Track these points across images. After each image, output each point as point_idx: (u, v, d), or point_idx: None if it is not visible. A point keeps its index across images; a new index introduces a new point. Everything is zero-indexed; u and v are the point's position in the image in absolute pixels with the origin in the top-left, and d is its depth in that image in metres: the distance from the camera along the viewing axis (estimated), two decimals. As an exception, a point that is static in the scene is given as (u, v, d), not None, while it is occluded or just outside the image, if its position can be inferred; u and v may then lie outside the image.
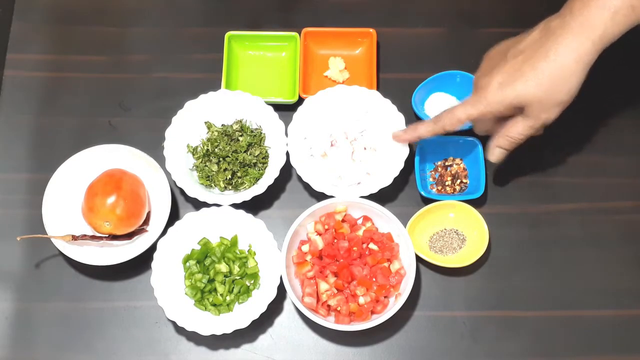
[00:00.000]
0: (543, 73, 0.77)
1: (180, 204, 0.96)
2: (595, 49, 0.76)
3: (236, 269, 0.90)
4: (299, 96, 0.99)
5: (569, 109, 0.98)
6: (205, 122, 0.97)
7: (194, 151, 0.96)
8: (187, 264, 0.90)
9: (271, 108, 0.95)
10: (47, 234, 0.89)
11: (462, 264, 0.90)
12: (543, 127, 0.82)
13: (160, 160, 0.93)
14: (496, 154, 0.87)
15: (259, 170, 0.95)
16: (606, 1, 0.74)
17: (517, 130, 0.82)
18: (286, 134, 0.94)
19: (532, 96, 0.78)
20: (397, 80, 1.02)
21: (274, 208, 0.96)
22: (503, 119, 0.84)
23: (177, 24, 1.06)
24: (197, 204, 0.93)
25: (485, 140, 0.95)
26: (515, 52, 0.80)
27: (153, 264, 0.88)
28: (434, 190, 0.95)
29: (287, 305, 0.91)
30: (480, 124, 0.88)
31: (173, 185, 0.94)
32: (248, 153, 0.95)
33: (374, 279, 0.87)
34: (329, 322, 0.85)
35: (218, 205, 0.90)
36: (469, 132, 0.96)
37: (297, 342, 0.89)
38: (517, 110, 0.81)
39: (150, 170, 0.93)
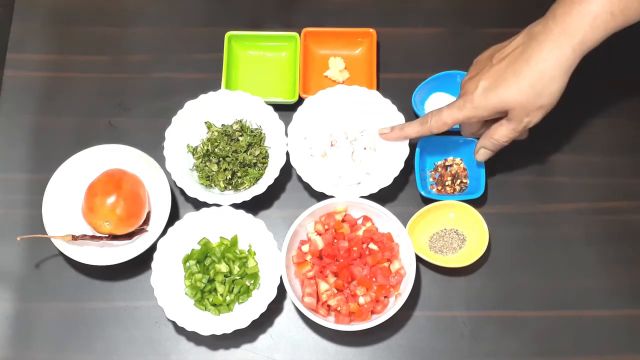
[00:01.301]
0: (525, 78, 0.79)
1: (180, 204, 0.96)
2: (575, 55, 0.77)
3: (236, 269, 0.90)
4: (299, 96, 0.99)
5: (569, 109, 0.98)
6: (205, 122, 0.97)
7: (194, 151, 0.96)
8: (187, 264, 0.90)
9: (271, 108, 0.95)
10: (47, 234, 0.89)
11: (462, 264, 0.90)
12: (526, 130, 0.84)
13: (160, 160, 0.93)
14: (481, 154, 0.89)
15: (259, 170, 0.95)
16: (586, 8, 0.76)
17: (501, 134, 0.84)
18: (286, 134, 0.94)
19: (515, 101, 0.80)
20: (397, 80, 1.02)
21: (274, 208, 0.96)
22: (489, 121, 0.86)
23: (177, 24, 1.06)
24: (197, 204, 0.93)
25: (485, 140, 0.96)
26: (500, 57, 0.82)
27: (153, 264, 0.88)
28: (434, 190, 0.95)
29: (287, 305, 0.91)
30: (467, 127, 0.90)
31: (173, 185, 0.94)
32: (248, 153, 0.95)
33: (374, 279, 0.87)
34: (329, 322, 0.85)
35: (218, 205, 0.90)
36: (469, 132, 0.96)
37: (297, 342, 0.89)
38: (502, 114, 0.83)
39: (150, 170, 0.93)
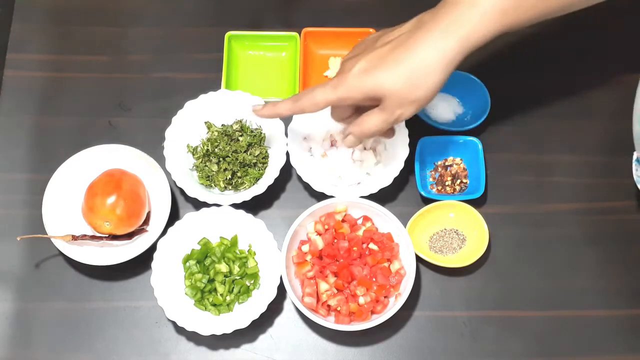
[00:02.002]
0: (404, 65, 0.75)
1: (180, 204, 0.96)
2: (459, 48, 0.74)
3: (236, 269, 0.90)
4: (299, 96, 0.99)
5: (569, 110, 0.98)
6: (205, 122, 0.97)
7: (194, 151, 0.96)
8: (187, 264, 0.90)
9: (271, 108, 0.95)
10: (47, 234, 0.89)
11: (462, 264, 0.90)
12: (396, 123, 0.80)
13: (160, 160, 0.93)
14: (348, 140, 0.84)
15: (259, 170, 0.95)
16: (476, 3, 0.73)
17: (372, 122, 0.79)
18: (286, 134, 0.94)
19: (390, 88, 0.75)
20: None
21: (274, 208, 0.96)
22: (361, 108, 0.82)
23: (177, 24, 1.06)
24: (197, 204, 0.93)
25: (485, 140, 0.96)
26: (385, 40, 0.78)
27: (153, 264, 0.88)
28: (434, 190, 0.95)
29: (287, 305, 0.91)
30: (338, 110, 0.85)
31: (173, 185, 0.94)
32: (248, 153, 0.95)
33: (374, 279, 0.87)
34: (329, 322, 0.85)
35: (218, 205, 0.90)
36: (468, 132, 0.96)
37: (297, 342, 0.89)
38: (375, 101, 0.78)
39: (150, 170, 0.93)
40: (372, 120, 0.79)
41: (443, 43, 0.74)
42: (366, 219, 0.91)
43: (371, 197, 0.90)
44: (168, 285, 0.88)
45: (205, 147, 0.95)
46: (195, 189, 0.91)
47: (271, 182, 0.91)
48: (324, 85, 0.79)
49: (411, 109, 0.77)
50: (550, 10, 0.76)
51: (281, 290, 0.87)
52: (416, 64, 0.74)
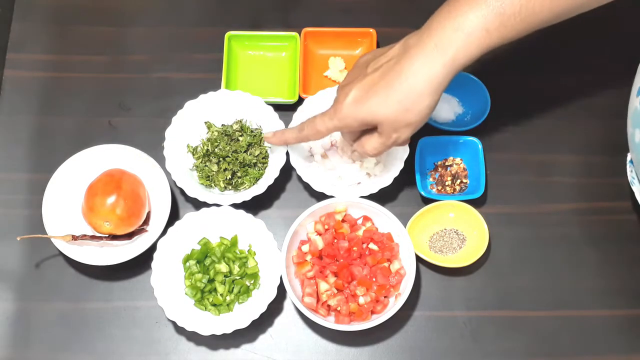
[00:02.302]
0: (394, 93, 0.76)
1: (180, 204, 0.96)
2: (446, 71, 0.75)
3: (236, 269, 0.90)
4: (299, 96, 0.99)
5: (569, 110, 0.98)
6: (205, 122, 0.97)
7: (194, 151, 0.96)
8: (187, 264, 0.90)
9: (271, 108, 0.95)
10: (47, 234, 0.89)
11: (462, 264, 0.90)
12: (395, 145, 0.82)
13: (160, 160, 0.93)
14: (354, 156, 0.87)
15: (259, 170, 0.95)
16: (461, 23, 0.73)
17: (371, 145, 0.82)
18: (286, 134, 0.94)
19: (383, 116, 0.77)
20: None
21: (274, 208, 0.96)
22: (368, 130, 0.83)
23: (177, 24, 1.06)
24: (197, 204, 0.93)
25: (485, 140, 0.96)
26: (375, 66, 0.79)
27: (153, 264, 0.88)
28: (434, 190, 0.95)
29: (287, 305, 0.91)
30: (345, 135, 0.86)
31: (173, 185, 0.94)
32: (248, 153, 0.95)
33: (374, 279, 0.87)
34: (329, 322, 0.85)
35: (218, 205, 0.90)
36: (468, 132, 0.96)
37: (297, 342, 0.89)
38: (373, 126, 0.80)
39: (150, 170, 0.93)
40: (372, 143, 0.82)
41: (430, 68, 0.75)
42: (366, 219, 0.91)
43: (371, 197, 0.90)
44: (168, 285, 0.88)
45: (205, 147, 0.95)
46: (195, 189, 0.91)
47: (271, 182, 0.91)
48: (323, 115, 0.82)
49: (407, 132, 0.79)
50: (534, 25, 0.76)
51: (281, 290, 0.87)
52: (406, 90, 0.75)
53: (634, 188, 0.86)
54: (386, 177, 0.92)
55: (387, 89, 0.76)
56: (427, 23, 0.77)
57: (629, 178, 0.86)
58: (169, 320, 0.88)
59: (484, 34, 0.73)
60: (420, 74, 0.75)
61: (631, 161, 0.86)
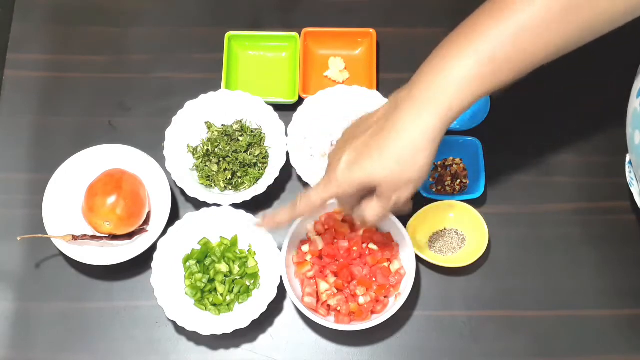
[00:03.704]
0: (389, 152, 0.71)
1: (180, 204, 0.96)
2: (441, 123, 0.70)
3: (236, 268, 0.90)
4: (299, 96, 0.99)
5: (569, 110, 0.98)
6: (205, 122, 0.97)
7: (194, 151, 0.96)
8: (187, 263, 0.90)
9: (271, 108, 0.95)
10: (47, 234, 0.89)
11: (462, 264, 0.90)
12: (397, 206, 0.76)
13: (160, 160, 0.93)
14: (360, 224, 0.81)
15: (259, 170, 0.95)
16: (451, 73, 0.69)
17: (371, 211, 0.76)
18: (286, 134, 0.94)
19: (381, 176, 0.72)
20: (397, 80, 1.00)
21: (274, 208, 0.96)
22: (368, 193, 0.77)
23: (177, 24, 1.06)
24: (197, 204, 0.93)
25: (485, 140, 0.96)
26: (366, 126, 0.74)
27: (153, 264, 0.88)
28: (434, 190, 0.95)
29: (287, 305, 0.91)
30: (344, 204, 0.81)
31: (173, 185, 0.94)
32: (248, 153, 0.95)
33: (374, 279, 0.87)
34: (329, 322, 0.85)
35: (218, 205, 0.90)
36: (468, 132, 0.96)
37: (297, 342, 0.89)
38: (371, 189, 0.75)
39: (150, 170, 0.93)
40: (371, 209, 0.77)
41: (423, 121, 0.70)
42: (366, 219, 0.91)
43: (371, 197, 0.90)
44: (168, 285, 0.88)
45: (206, 147, 0.95)
46: (195, 189, 0.92)
47: (271, 182, 0.91)
48: (317, 186, 0.77)
49: (407, 191, 0.74)
50: (529, 65, 0.72)
51: (281, 290, 0.87)
52: (401, 146, 0.71)
53: (632, 189, 0.86)
54: (386, 177, 0.92)
55: (381, 147, 0.71)
56: (416, 75, 0.73)
57: (628, 179, 0.86)
58: (169, 320, 0.88)
59: (478, 81, 0.70)
60: (414, 128, 0.70)
61: (630, 162, 0.86)
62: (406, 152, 0.71)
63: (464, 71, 0.70)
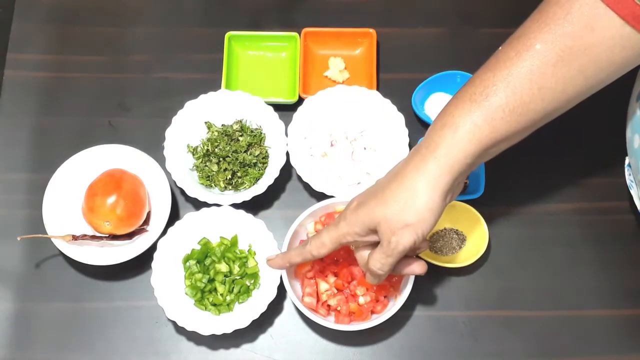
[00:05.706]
0: (392, 192, 0.73)
1: (180, 204, 0.96)
2: (441, 170, 0.71)
3: (236, 268, 0.90)
4: (299, 96, 0.99)
5: (569, 110, 0.98)
6: (205, 122, 0.97)
7: (194, 151, 0.96)
8: (187, 263, 0.90)
9: (271, 108, 0.95)
10: (47, 234, 0.89)
11: (462, 264, 0.90)
12: (397, 256, 0.74)
13: (160, 160, 0.93)
14: (368, 279, 0.81)
15: (259, 170, 0.95)
16: (459, 127, 0.71)
17: (374, 262, 0.76)
18: (286, 134, 0.94)
19: (380, 215, 0.73)
20: (397, 80, 1.02)
21: (274, 208, 0.96)
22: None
23: (177, 24, 1.07)
24: (197, 204, 0.93)
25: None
26: (382, 177, 0.78)
27: (153, 264, 0.88)
28: (434, 190, 0.95)
29: (287, 305, 0.91)
30: (358, 255, 0.81)
31: (173, 185, 0.94)
32: (248, 153, 0.95)
33: (374, 279, 0.88)
34: (329, 322, 0.85)
35: (218, 205, 0.90)
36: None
37: (297, 342, 0.89)
38: (374, 233, 0.76)
39: (150, 170, 0.93)
40: (374, 257, 0.77)
41: (425, 167, 0.72)
42: (366, 219, 0.91)
43: (371, 197, 0.90)
44: (168, 285, 0.88)
45: (206, 147, 0.95)
46: (195, 189, 0.92)
47: (271, 182, 0.91)
48: (327, 227, 0.79)
49: (406, 234, 0.73)
50: (527, 128, 0.75)
51: (281, 290, 0.87)
52: (401, 189, 0.73)
53: (632, 192, 0.86)
54: (386, 177, 0.92)
55: (385, 190, 0.74)
56: (427, 131, 0.75)
57: (627, 182, 0.86)
58: (169, 320, 0.88)
59: (489, 131, 0.71)
60: (415, 172, 0.72)
61: (629, 165, 0.86)
62: (406, 193, 0.72)
63: (471, 127, 0.71)
